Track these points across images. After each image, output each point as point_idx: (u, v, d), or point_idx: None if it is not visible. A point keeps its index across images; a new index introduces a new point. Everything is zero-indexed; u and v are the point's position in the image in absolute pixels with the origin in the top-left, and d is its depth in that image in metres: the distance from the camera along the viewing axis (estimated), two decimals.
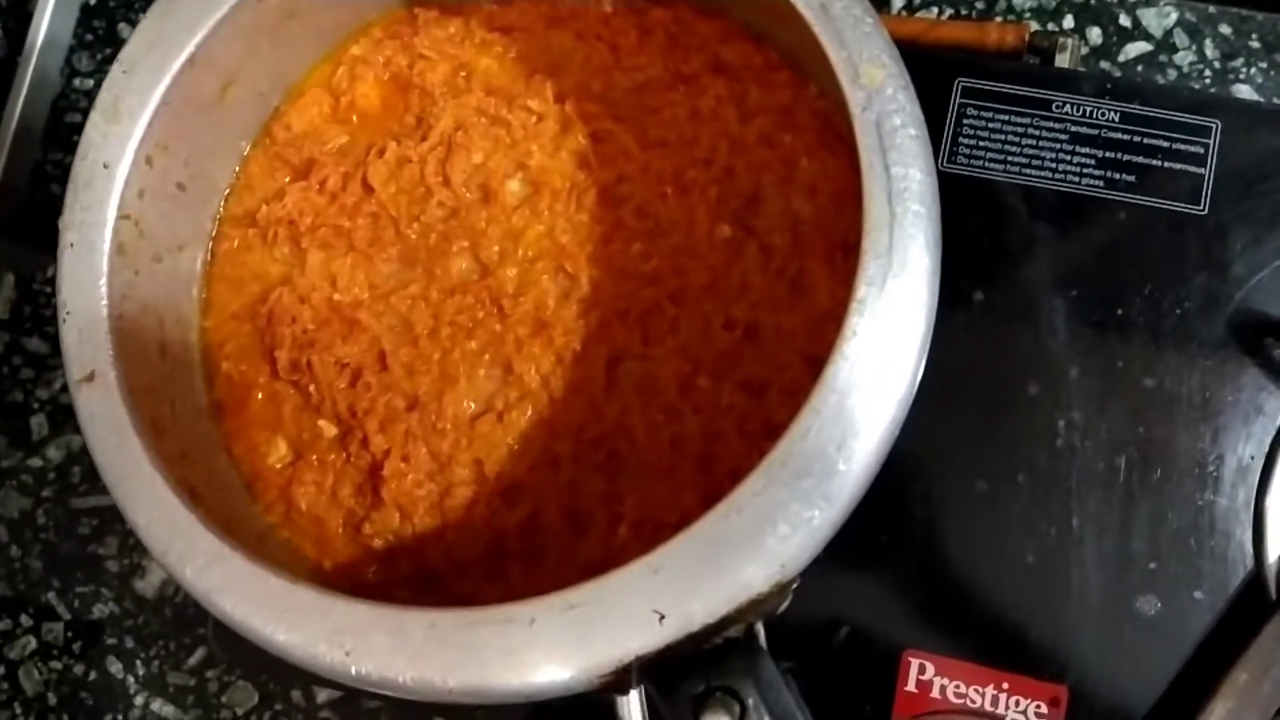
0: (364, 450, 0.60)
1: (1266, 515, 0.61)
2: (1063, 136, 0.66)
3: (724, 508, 0.48)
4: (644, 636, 0.47)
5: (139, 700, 0.74)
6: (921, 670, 0.61)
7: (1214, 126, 0.66)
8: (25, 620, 0.76)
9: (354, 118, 0.66)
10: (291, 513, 0.60)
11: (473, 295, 0.61)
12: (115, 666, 0.75)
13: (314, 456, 0.60)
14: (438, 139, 0.63)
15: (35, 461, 0.79)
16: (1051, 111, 0.67)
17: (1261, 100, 0.74)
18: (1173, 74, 0.75)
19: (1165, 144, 0.66)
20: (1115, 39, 0.76)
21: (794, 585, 0.48)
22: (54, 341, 0.65)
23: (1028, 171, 0.66)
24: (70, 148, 0.81)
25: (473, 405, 0.59)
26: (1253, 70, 0.74)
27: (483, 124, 0.63)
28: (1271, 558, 0.60)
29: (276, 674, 0.73)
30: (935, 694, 0.61)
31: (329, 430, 0.60)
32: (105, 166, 0.58)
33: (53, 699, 0.75)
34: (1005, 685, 0.61)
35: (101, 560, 0.77)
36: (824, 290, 0.58)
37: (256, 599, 0.50)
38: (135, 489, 0.53)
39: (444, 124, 0.64)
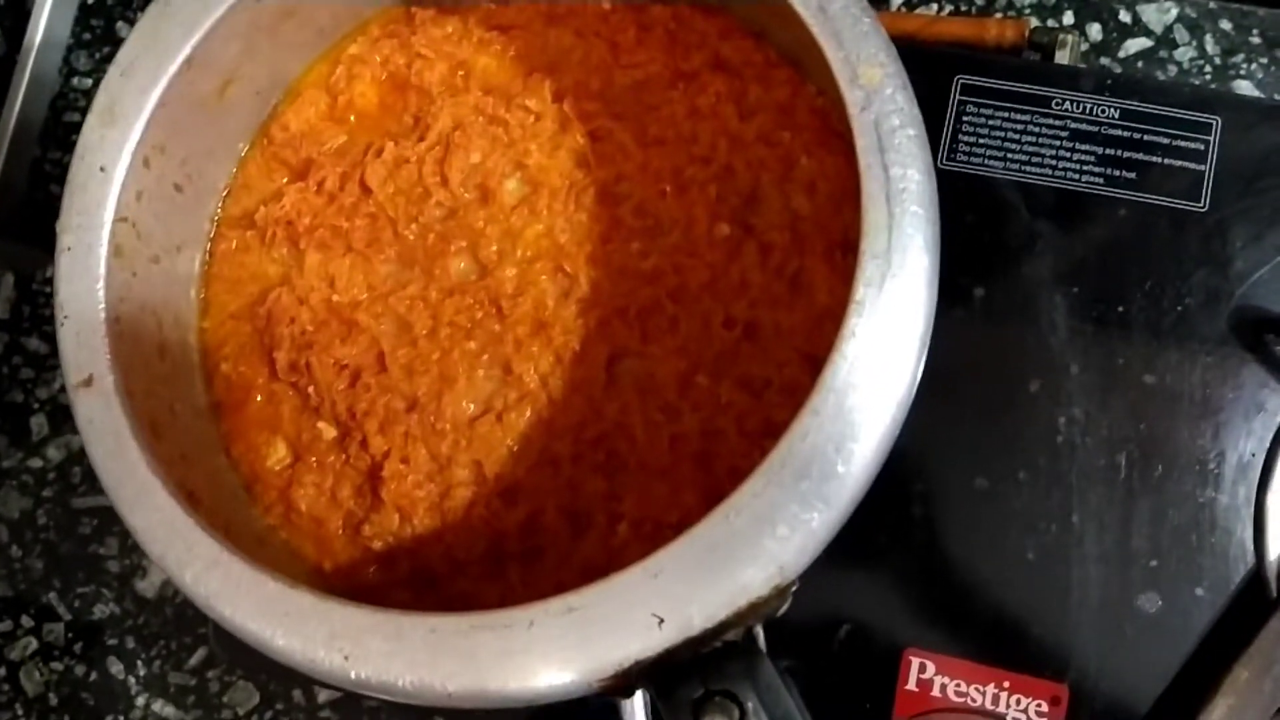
0: (363, 451, 0.59)
1: (1267, 512, 0.61)
2: (1063, 133, 0.66)
3: (723, 510, 0.48)
4: (643, 640, 0.47)
5: (140, 701, 0.74)
6: (922, 669, 0.61)
7: (1214, 123, 0.65)
8: (26, 621, 0.77)
9: (351, 117, 0.66)
10: (291, 514, 0.60)
11: (471, 295, 0.60)
12: (116, 667, 0.75)
13: (313, 458, 0.60)
14: (435, 138, 0.63)
15: (35, 461, 0.79)
16: (1051, 108, 0.67)
17: (1262, 96, 0.73)
18: (1173, 70, 0.75)
19: (1165, 140, 0.66)
20: (1115, 35, 0.76)
21: (793, 588, 0.48)
22: (53, 341, 0.64)
23: (1027, 168, 0.66)
24: (69, 146, 0.81)
25: (472, 406, 0.59)
26: (1253, 66, 0.74)
27: (481, 123, 0.63)
28: (1272, 555, 0.60)
29: (277, 674, 0.72)
30: (936, 692, 0.61)
31: (328, 432, 0.60)
32: (102, 170, 0.58)
33: (54, 700, 0.75)
34: (1006, 684, 0.61)
35: (102, 560, 0.77)
36: (823, 288, 0.58)
37: (255, 603, 0.50)
38: (133, 493, 0.53)
39: (442, 123, 0.63)
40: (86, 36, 0.86)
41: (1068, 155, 0.66)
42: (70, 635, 0.76)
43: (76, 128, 0.67)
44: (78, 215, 0.58)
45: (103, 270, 0.57)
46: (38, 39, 0.84)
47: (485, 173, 0.62)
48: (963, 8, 0.78)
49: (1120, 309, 0.64)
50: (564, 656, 0.47)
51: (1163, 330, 0.63)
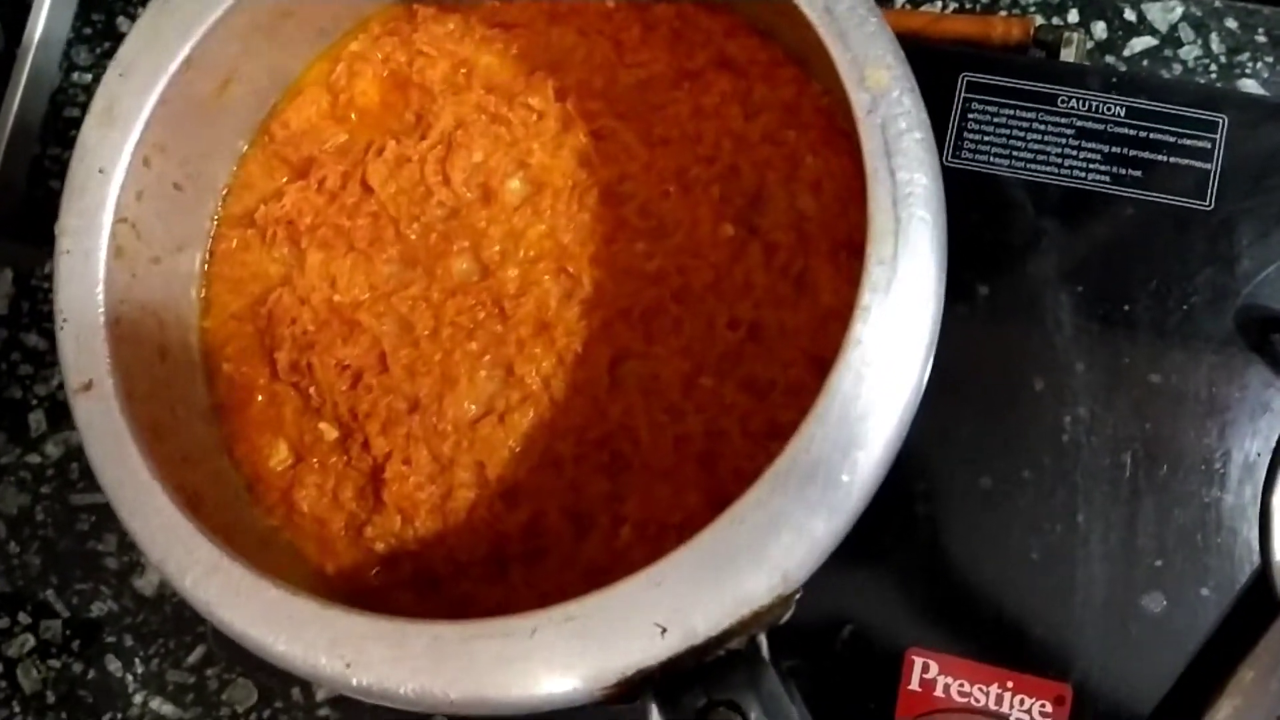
0: (365, 453, 0.59)
1: (1273, 512, 0.61)
2: (1068, 131, 0.66)
3: (726, 518, 0.48)
4: (646, 649, 0.47)
5: (138, 698, 0.74)
6: (925, 669, 0.61)
7: (1220, 121, 0.65)
8: (23, 618, 0.76)
9: (353, 116, 0.65)
10: (293, 515, 0.60)
11: (473, 296, 0.60)
12: (114, 664, 0.75)
13: (315, 459, 0.60)
14: (437, 137, 0.63)
15: (33, 458, 0.79)
16: (1057, 106, 0.66)
17: (1268, 95, 0.73)
18: (1178, 69, 0.74)
19: (1171, 139, 0.65)
20: (1121, 33, 0.75)
21: (797, 596, 0.48)
22: (53, 337, 0.64)
23: (1033, 166, 0.66)
24: (68, 142, 0.80)
25: (474, 407, 0.59)
26: (1259, 65, 0.74)
27: (483, 122, 0.63)
28: (1278, 555, 0.60)
29: (276, 672, 0.72)
30: (939, 692, 0.61)
31: (330, 433, 0.60)
32: (101, 171, 0.58)
33: (51, 697, 0.75)
34: (1009, 684, 0.61)
35: (100, 557, 0.76)
36: (828, 289, 0.57)
37: (256, 609, 0.50)
38: (133, 497, 0.53)
39: (444, 122, 0.63)
40: (87, 31, 0.86)
41: (1073, 153, 0.66)
42: (68, 632, 0.76)
43: (76, 123, 0.66)
44: (77, 218, 0.58)
45: (102, 273, 0.57)
46: (37, 34, 0.83)
47: (487, 172, 0.62)
48: (968, 5, 0.78)
49: (1126, 308, 0.64)
50: (566, 664, 0.47)
51: (1168, 329, 0.63)
